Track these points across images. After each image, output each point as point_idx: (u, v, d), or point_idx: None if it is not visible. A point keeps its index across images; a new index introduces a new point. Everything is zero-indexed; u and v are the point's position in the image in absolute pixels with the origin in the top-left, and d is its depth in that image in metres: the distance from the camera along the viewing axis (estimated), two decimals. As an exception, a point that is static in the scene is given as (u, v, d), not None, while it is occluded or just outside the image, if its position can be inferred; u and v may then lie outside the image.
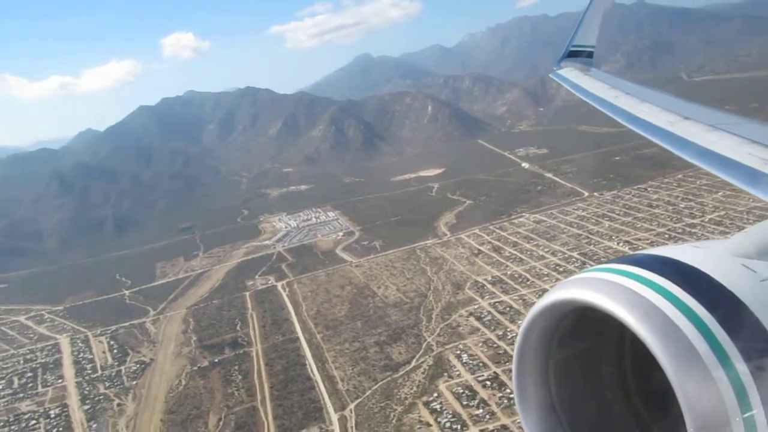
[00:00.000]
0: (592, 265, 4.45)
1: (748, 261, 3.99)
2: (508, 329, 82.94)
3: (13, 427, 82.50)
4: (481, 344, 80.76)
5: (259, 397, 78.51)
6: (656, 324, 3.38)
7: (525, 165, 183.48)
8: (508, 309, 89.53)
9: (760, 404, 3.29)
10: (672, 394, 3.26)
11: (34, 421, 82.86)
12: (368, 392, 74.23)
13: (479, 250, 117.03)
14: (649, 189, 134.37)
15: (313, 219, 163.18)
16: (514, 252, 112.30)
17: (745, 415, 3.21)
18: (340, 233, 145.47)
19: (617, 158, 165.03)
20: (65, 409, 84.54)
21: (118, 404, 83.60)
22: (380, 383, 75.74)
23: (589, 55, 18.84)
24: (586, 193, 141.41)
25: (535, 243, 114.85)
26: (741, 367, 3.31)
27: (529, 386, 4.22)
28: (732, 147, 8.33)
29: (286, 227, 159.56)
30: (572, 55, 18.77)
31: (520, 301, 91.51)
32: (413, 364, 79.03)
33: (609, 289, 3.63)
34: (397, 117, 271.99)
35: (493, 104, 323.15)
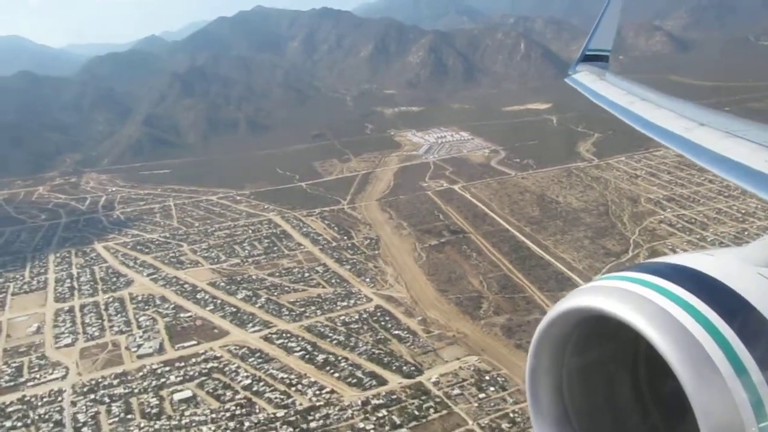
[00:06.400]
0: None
1: (764, 270, 4.05)
2: (704, 235, 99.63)
3: (287, 277, 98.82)
4: (685, 243, 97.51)
5: (504, 268, 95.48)
6: (672, 333, 3.41)
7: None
8: (693, 220, 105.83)
9: None
10: (687, 404, 3.27)
11: (306, 274, 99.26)
12: (604, 270, 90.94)
13: (635, 174, 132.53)
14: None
15: (448, 137, 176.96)
16: (672, 178, 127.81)
17: (761, 425, 3.23)
18: (486, 150, 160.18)
19: (727, 109, 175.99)
20: (327, 267, 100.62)
21: (374, 266, 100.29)
22: (610, 264, 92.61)
23: (605, 59, 19.23)
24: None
25: (688, 172, 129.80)
26: (757, 377, 3.32)
27: (542, 395, 4.25)
28: (748, 154, 8.55)
29: (425, 142, 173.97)
30: (588, 59, 19.14)
31: (702, 215, 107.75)
32: (631, 254, 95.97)
33: (624, 298, 3.70)
34: (488, 52, 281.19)
35: (567, 49, 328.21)
